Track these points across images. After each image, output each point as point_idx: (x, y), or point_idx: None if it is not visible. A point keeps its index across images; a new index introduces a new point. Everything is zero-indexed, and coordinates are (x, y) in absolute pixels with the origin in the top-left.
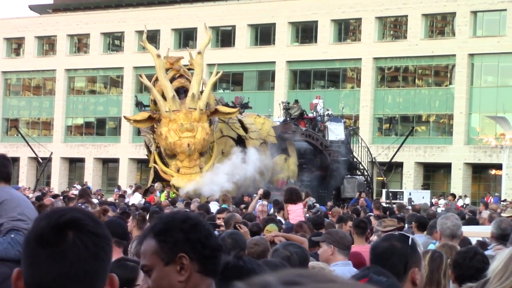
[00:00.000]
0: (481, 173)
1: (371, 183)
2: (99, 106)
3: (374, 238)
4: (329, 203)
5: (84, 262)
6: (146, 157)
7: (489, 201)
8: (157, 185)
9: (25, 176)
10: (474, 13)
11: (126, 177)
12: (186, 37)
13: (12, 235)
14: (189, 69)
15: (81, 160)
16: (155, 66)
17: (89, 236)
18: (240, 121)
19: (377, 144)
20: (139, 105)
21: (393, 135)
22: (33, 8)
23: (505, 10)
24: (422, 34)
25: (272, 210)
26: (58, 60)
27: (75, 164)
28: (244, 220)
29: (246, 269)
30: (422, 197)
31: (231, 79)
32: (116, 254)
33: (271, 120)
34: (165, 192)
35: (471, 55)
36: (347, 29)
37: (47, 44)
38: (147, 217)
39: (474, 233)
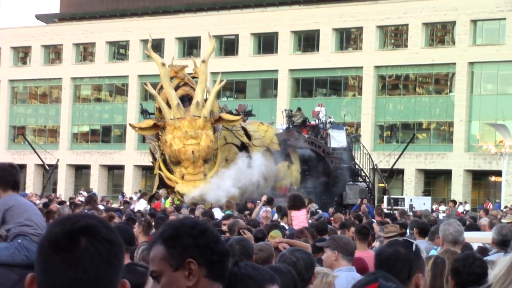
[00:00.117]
0: (481, 179)
1: (373, 190)
2: (104, 113)
3: (376, 244)
4: (331, 209)
5: (97, 268)
6: (151, 164)
7: (488, 207)
8: (162, 191)
9: (32, 183)
10: (474, 22)
11: (131, 183)
12: (190, 45)
13: (19, 240)
14: (193, 78)
15: (87, 167)
16: (160, 75)
17: (102, 242)
18: (244, 129)
19: (378, 151)
20: (144, 112)
21: (394, 142)
22: (39, 17)
23: (504, 19)
24: (422, 43)
25: (275, 216)
26: (64, 69)
27: (81, 171)
28: (248, 226)
29: (240, 275)
30: (423, 204)
31: (235, 87)
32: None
33: (274, 128)
34: (170, 198)
35: (471, 63)
36: (348, 38)
37: (53, 53)
38: (153, 223)
39: (475, 239)
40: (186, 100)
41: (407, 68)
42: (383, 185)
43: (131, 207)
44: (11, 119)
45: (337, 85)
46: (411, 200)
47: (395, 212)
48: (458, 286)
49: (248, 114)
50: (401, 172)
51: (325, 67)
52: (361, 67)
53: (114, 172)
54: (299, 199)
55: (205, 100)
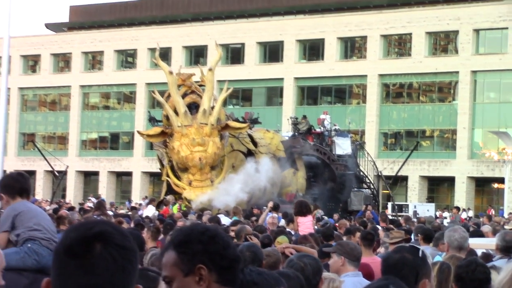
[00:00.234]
0: (484, 186)
1: (377, 196)
2: (112, 121)
3: (381, 250)
4: (336, 216)
5: (112, 274)
6: (158, 170)
7: (491, 213)
8: (170, 197)
9: (42, 189)
10: (477, 31)
11: (139, 190)
12: (197, 54)
13: (29, 245)
14: (200, 86)
15: (96, 174)
16: (168, 83)
17: (116, 249)
18: (250, 136)
19: (382, 158)
20: (152, 120)
21: (398, 149)
22: (49, 26)
23: (507, 28)
24: (426, 52)
25: (281, 222)
26: (73, 77)
27: (89, 177)
28: (255, 232)
29: (245, 281)
30: (427, 210)
31: (241, 95)
32: None
33: (280, 135)
34: (177, 204)
35: (474, 72)
36: (353, 47)
37: (63, 61)
38: (161, 229)
39: (479, 245)
40: (193, 107)
41: (410, 76)
42: (387, 191)
43: (139, 213)
44: (21, 126)
45: (342, 93)
46: (415, 207)
47: (400, 218)
48: None
49: (254, 121)
50: (405, 179)
51: (330, 76)
52: (366, 76)
53: (123, 178)
54: (305, 206)
55: (212, 107)
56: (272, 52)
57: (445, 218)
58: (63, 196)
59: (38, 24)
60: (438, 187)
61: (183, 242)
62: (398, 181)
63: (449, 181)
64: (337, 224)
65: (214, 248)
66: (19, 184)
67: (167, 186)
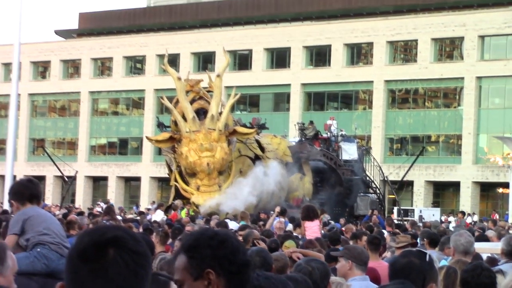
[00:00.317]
0: (488, 191)
1: (383, 201)
2: (121, 126)
3: (388, 254)
4: (342, 220)
5: (124, 278)
6: (166, 175)
7: (495, 218)
8: (178, 202)
9: (51, 194)
10: (482, 37)
11: (147, 195)
12: (205, 60)
13: (38, 249)
14: (208, 91)
15: (105, 179)
16: (176, 89)
17: (129, 254)
18: (257, 141)
19: (388, 164)
20: (160, 125)
21: (404, 154)
22: (58, 33)
23: None
24: (431, 58)
25: (289, 227)
26: (83, 83)
27: (98, 183)
28: (262, 237)
29: (253, 286)
30: (433, 215)
31: (248, 100)
32: None
33: (287, 140)
34: (185, 209)
35: (479, 77)
36: (359, 53)
37: (72, 67)
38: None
39: (485, 250)
40: (201, 113)
41: (416, 82)
42: (393, 196)
43: (148, 217)
44: (30, 132)
45: (348, 99)
46: (420, 211)
47: (405, 223)
48: None
49: (261, 127)
50: (410, 184)
51: (337, 81)
52: (372, 81)
53: (131, 183)
54: (313, 210)
55: (220, 113)
56: (279, 58)
57: (450, 222)
58: (73, 201)
59: (48, 30)
60: (444, 192)
61: (193, 247)
62: (404, 186)
63: (454, 186)
64: (343, 229)
65: (222, 253)
66: (28, 191)
67: (175, 191)
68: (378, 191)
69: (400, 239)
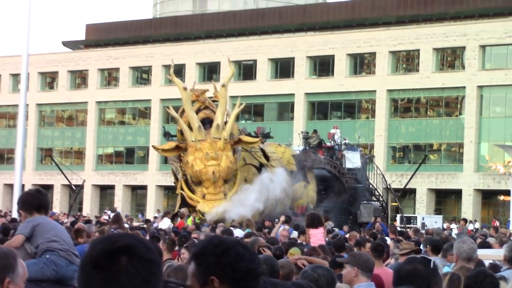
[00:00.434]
0: (490, 199)
1: (386, 209)
2: (128, 136)
3: (391, 261)
4: (346, 228)
5: (136, 286)
6: (172, 184)
7: (496, 225)
8: (184, 210)
9: (59, 202)
10: (483, 47)
11: (153, 203)
12: (210, 70)
13: (47, 256)
14: (213, 101)
15: (111, 187)
16: (182, 98)
17: (141, 261)
18: (262, 150)
19: (391, 172)
20: (166, 135)
21: (406, 163)
22: (66, 44)
23: None
24: (433, 67)
25: (293, 234)
26: (90, 93)
27: (105, 191)
28: (267, 244)
29: None
30: (435, 222)
31: (253, 110)
32: None
33: (291, 149)
34: (191, 217)
35: (480, 87)
36: (362, 63)
37: (79, 78)
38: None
39: (487, 256)
40: (207, 122)
41: (418, 91)
42: (396, 204)
43: (154, 225)
44: (39, 142)
45: (351, 108)
46: (423, 219)
47: (408, 230)
48: None
49: (266, 136)
50: (413, 191)
51: (340, 91)
52: (374, 91)
53: (137, 192)
54: (317, 218)
55: (225, 122)
56: (283, 68)
57: (452, 229)
58: (80, 209)
59: (56, 42)
60: (446, 200)
61: (199, 254)
62: (407, 194)
63: (456, 194)
64: (347, 236)
65: (226, 261)
66: (37, 201)
67: (181, 199)
68: (381, 199)
69: (403, 246)
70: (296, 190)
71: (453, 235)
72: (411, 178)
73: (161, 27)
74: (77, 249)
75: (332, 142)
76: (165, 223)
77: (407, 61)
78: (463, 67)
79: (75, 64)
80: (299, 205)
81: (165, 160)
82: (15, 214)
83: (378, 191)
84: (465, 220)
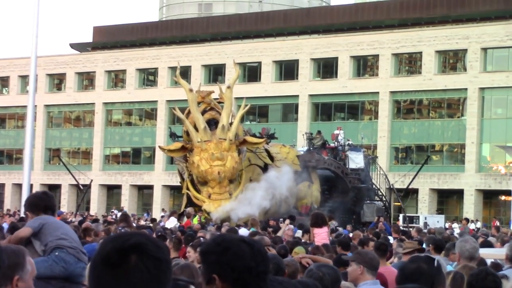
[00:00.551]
0: (491, 199)
1: (389, 208)
2: (134, 137)
3: (395, 260)
4: (349, 227)
5: (146, 284)
6: (179, 184)
7: (496, 225)
8: (190, 210)
9: (67, 202)
10: (484, 49)
11: (160, 203)
12: (216, 72)
13: (56, 253)
14: (219, 103)
15: (118, 187)
16: (188, 100)
17: (151, 260)
18: (267, 151)
19: (394, 172)
20: (172, 136)
21: (409, 163)
22: (73, 46)
23: None
24: (435, 70)
25: (297, 233)
26: (97, 94)
27: (112, 191)
28: (272, 244)
29: None
30: (437, 221)
31: (257, 111)
32: None
33: (295, 150)
34: (197, 216)
35: (482, 89)
36: (365, 65)
37: (87, 80)
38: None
39: (489, 255)
40: (212, 123)
41: (421, 93)
42: (398, 204)
43: (161, 224)
44: (47, 142)
45: (355, 109)
46: (425, 218)
47: (411, 229)
48: None
49: (271, 137)
50: (415, 191)
51: (343, 93)
52: (377, 93)
53: (144, 191)
54: (321, 217)
55: (230, 123)
56: (288, 70)
57: (454, 229)
58: (87, 209)
59: (63, 44)
60: (448, 200)
61: (203, 253)
62: (409, 194)
63: (458, 194)
64: (351, 235)
65: (225, 259)
66: (43, 202)
67: (187, 199)
68: (384, 199)
69: (406, 245)
70: (300, 190)
71: (455, 234)
72: (413, 179)
73: (167, 30)
74: (85, 248)
75: (336, 143)
76: (172, 222)
77: (409, 63)
78: (465, 69)
79: (82, 66)
80: (303, 205)
81: (171, 161)
82: (23, 213)
83: (381, 191)
84: (467, 220)
